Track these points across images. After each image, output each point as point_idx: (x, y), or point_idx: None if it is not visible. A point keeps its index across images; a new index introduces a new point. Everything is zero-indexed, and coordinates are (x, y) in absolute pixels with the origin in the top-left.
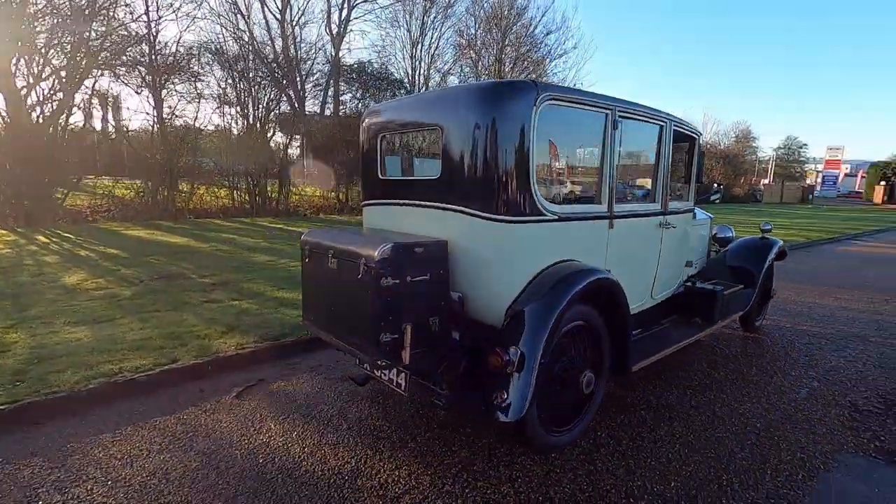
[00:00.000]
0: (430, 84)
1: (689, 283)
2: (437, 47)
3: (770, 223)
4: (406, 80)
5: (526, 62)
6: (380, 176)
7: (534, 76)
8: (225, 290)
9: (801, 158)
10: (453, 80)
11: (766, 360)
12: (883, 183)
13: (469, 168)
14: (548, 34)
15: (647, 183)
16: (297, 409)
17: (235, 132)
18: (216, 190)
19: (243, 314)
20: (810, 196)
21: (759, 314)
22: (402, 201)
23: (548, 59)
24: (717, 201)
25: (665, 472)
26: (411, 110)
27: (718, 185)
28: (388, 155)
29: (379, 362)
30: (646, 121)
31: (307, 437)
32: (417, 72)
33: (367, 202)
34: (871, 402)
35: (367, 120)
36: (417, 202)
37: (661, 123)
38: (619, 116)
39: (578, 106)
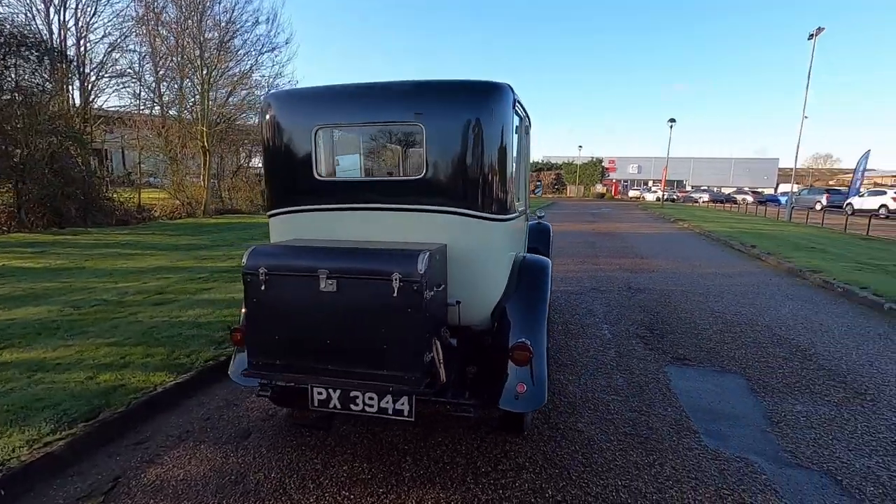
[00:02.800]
0: (88, 56)
1: None
2: (93, 13)
3: (543, 211)
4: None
5: (233, 50)
6: (316, 177)
7: (245, 67)
8: None
9: None
10: (133, 57)
11: (569, 315)
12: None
13: (462, 167)
14: (256, 23)
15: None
16: (224, 492)
17: None
18: None
19: None
20: None
21: None
22: (352, 205)
23: (256, 52)
24: (539, 194)
25: (613, 421)
26: (368, 103)
27: (538, 181)
28: (330, 152)
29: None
30: (527, 126)
31: None
32: (64, 39)
33: (284, 209)
34: (643, 330)
35: (281, 109)
36: (384, 205)
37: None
38: (527, 124)
39: (519, 110)
